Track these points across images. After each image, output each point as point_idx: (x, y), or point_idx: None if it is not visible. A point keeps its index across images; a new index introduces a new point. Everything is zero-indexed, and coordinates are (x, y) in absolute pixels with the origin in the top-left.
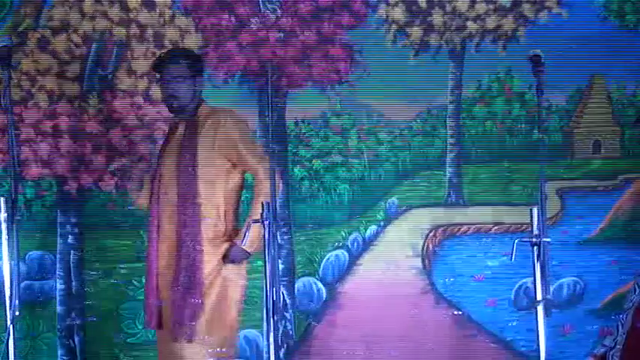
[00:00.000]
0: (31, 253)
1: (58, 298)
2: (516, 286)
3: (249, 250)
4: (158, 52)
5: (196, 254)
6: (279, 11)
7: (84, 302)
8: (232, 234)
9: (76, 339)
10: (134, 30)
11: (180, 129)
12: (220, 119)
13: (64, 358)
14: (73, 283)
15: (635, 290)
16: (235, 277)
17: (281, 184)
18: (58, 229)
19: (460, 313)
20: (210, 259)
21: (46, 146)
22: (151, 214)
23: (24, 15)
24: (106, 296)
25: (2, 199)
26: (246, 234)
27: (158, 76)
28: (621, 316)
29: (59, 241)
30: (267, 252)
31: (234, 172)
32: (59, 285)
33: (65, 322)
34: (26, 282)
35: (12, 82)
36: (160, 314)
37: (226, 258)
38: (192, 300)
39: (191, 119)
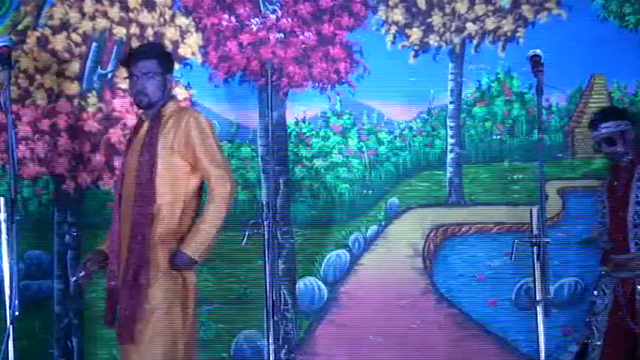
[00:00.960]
0: (29, 252)
1: (55, 297)
2: (517, 286)
3: (195, 258)
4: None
5: (145, 254)
6: (279, 12)
7: (82, 302)
8: (184, 236)
9: (74, 339)
10: (134, 29)
11: (145, 126)
12: (182, 119)
13: (61, 358)
14: (71, 283)
15: (603, 293)
16: (183, 280)
17: (282, 184)
18: (55, 229)
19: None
20: (161, 258)
21: (44, 145)
22: (114, 213)
23: (24, 13)
24: (104, 296)
25: (2, 199)
26: (246, 234)
27: (126, 72)
28: (593, 318)
29: (56, 240)
30: (267, 252)
31: (195, 174)
32: (57, 285)
33: (63, 322)
34: (23, 282)
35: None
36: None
37: (172, 263)
38: (136, 301)
39: (155, 117)
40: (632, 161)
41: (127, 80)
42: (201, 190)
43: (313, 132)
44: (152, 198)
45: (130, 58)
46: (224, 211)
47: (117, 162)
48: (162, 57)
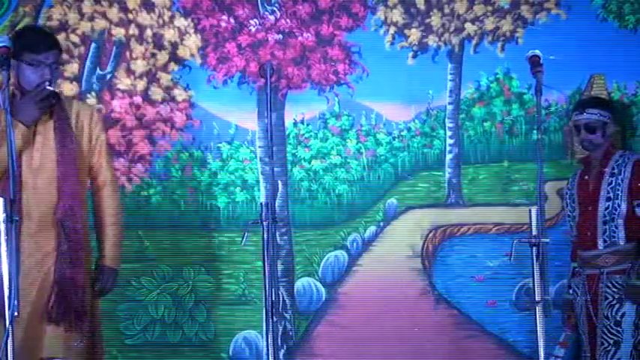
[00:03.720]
0: None
1: None
2: (517, 286)
3: (118, 269)
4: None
5: (81, 249)
6: (277, 13)
7: None
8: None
9: None
10: (133, 30)
11: (45, 118)
12: (87, 113)
13: None
14: None
15: (575, 292)
16: None
17: (281, 185)
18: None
19: None
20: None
21: None
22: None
23: (22, 14)
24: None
25: (1, 199)
26: (246, 235)
27: (30, 57)
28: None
29: None
30: (265, 253)
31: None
32: None
33: None
34: None
35: (10, 81)
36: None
37: (103, 283)
38: (82, 294)
39: (61, 108)
40: (605, 155)
41: (28, 66)
42: None
43: (312, 133)
44: (76, 192)
45: (40, 43)
46: (122, 216)
47: (116, 163)
48: (60, 48)
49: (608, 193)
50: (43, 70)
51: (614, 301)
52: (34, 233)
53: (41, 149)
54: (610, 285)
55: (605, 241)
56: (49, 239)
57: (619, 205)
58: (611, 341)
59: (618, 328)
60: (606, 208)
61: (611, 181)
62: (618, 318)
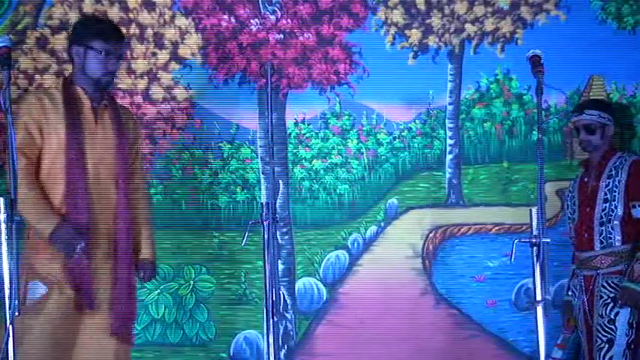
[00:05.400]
0: None
1: None
2: (517, 286)
3: (154, 260)
4: (159, 51)
5: (131, 246)
6: (278, 13)
7: None
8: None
9: None
10: (134, 30)
11: (106, 115)
12: (135, 121)
13: None
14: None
15: (574, 293)
16: None
17: (282, 185)
18: None
19: None
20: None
21: None
22: (76, 189)
23: (23, 13)
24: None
25: (2, 199)
26: (246, 235)
27: (100, 46)
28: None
29: None
30: (266, 252)
31: None
32: None
33: None
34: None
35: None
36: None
37: (149, 276)
38: (133, 296)
39: (114, 106)
40: (604, 157)
41: (90, 52)
42: None
43: (313, 133)
44: (127, 188)
45: (112, 33)
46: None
47: None
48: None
49: (606, 195)
50: (110, 60)
51: (609, 300)
52: (98, 227)
53: (102, 142)
54: (606, 284)
55: (601, 242)
56: (109, 236)
57: (615, 207)
58: (605, 339)
59: (612, 327)
60: (603, 210)
61: (609, 182)
62: (612, 316)
